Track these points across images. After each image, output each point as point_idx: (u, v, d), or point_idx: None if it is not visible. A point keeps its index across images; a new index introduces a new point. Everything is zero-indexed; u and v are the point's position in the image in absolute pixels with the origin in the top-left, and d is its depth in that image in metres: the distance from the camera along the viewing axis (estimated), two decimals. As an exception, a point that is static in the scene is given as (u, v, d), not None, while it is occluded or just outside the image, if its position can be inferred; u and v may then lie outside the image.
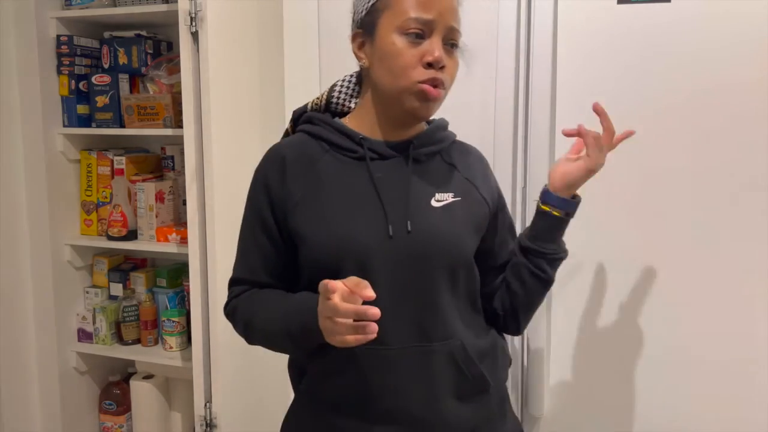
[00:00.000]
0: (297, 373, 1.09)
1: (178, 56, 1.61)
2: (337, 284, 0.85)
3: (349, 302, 0.84)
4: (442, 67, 0.97)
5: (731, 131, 1.24)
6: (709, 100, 1.24)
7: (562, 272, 1.35)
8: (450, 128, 1.12)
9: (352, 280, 0.85)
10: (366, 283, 0.85)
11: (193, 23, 1.56)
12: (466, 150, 1.13)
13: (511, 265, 1.11)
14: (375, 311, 0.83)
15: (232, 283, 1.10)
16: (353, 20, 1.05)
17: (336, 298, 0.84)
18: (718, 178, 1.25)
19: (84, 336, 2.06)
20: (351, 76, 1.09)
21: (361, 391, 1.00)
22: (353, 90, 1.09)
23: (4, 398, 1.89)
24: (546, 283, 1.10)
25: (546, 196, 1.08)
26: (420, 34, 0.97)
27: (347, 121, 1.07)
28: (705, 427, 1.30)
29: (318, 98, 1.10)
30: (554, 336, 1.37)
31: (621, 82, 1.28)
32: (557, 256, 1.09)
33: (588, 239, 1.33)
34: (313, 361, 1.04)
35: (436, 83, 0.97)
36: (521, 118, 1.34)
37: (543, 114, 1.28)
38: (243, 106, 1.67)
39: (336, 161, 1.03)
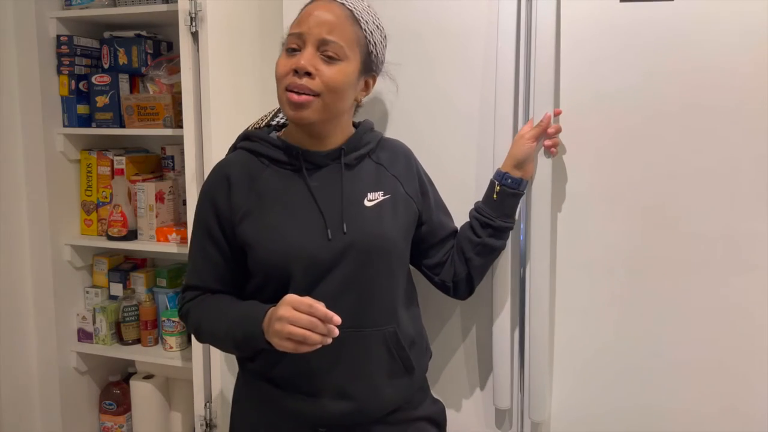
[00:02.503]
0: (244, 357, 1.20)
1: (178, 56, 1.61)
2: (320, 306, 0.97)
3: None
4: (309, 74, 1.06)
5: (734, 130, 1.23)
6: (712, 98, 1.24)
7: (567, 274, 1.36)
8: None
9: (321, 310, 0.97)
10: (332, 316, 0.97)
11: (193, 23, 1.56)
12: (391, 146, 1.24)
13: (472, 242, 1.24)
14: (336, 333, 0.97)
15: (185, 289, 1.20)
16: None
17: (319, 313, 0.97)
18: (721, 177, 1.25)
19: (84, 336, 2.06)
20: None
21: (304, 370, 1.11)
22: None
23: (4, 398, 1.89)
24: (502, 248, 1.28)
25: (516, 181, 1.24)
26: (295, 48, 1.09)
27: (282, 135, 1.18)
28: (714, 429, 1.29)
29: (263, 118, 1.24)
30: (558, 338, 1.37)
31: (623, 81, 1.28)
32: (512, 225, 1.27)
33: (592, 240, 1.33)
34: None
35: (297, 89, 1.07)
36: (521, 118, 1.34)
37: (546, 114, 1.27)
38: (243, 106, 1.67)
39: (276, 174, 1.14)
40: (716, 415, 1.29)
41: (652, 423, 1.33)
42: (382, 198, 1.16)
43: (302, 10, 1.12)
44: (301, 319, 0.96)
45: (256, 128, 1.22)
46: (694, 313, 1.29)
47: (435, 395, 1.32)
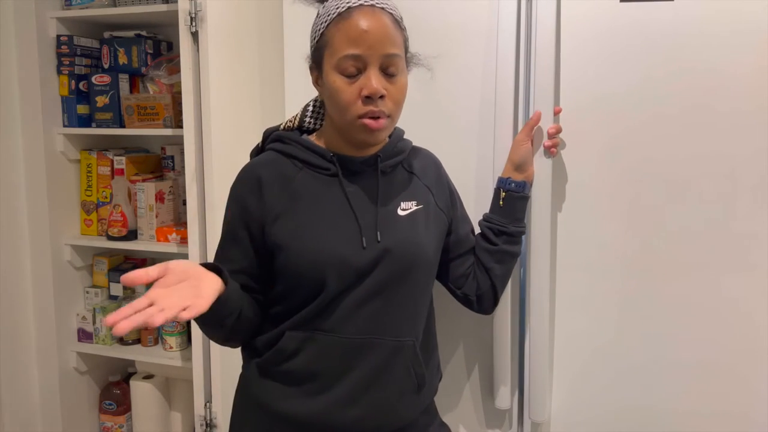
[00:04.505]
0: (250, 352, 1.16)
1: (178, 56, 1.61)
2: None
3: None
4: (382, 97, 1.03)
5: (733, 131, 1.23)
6: (711, 99, 1.24)
7: (566, 274, 1.36)
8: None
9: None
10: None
11: (193, 23, 1.56)
12: (422, 155, 1.23)
13: (490, 251, 1.23)
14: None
15: None
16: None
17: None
18: (722, 177, 1.25)
19: (84, 336, 2.06)
20: (318, 98, 1.17)
21: (314, 369, 1.09)
22: (321, 110, 1.17)
23: (4, 398, 1.89)
24: (518, 253, 1.28)
25: (520, 185, 1.24)
26: (354, 72, 1.02)
27: (315, 139, 1.15)
28: (714, 429, 1.29)
29: (291, 119, 1.18)
30: (558, 338, 1.37)
31: (623, 81, 1.28)
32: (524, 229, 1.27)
33: (592, 241, 1.33)
34: (270, 342, 1.11)
35: (376, 115, 1.03)
36: (521, 118, 1.34)
37: (545, 114, 1.27)
38: (243, 106, 1.68)
39: (311, 178, 1.10)
40: (716, 415, 1.29)
41: (653, 423, 1.33)
42: (416, 208, 1.14)
43: (342, 20, 1.02)
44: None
45: (288, 128, 1.18)
46: (694, 314, 1.29)
47: (436, 395, 1.31)
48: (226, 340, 1.14)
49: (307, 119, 1.17)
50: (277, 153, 1.13)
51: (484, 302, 1.26)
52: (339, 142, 1.12)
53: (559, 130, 1.27)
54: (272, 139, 1.16)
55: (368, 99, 1.02)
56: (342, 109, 1.04)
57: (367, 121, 1.03)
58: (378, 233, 1.08)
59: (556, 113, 1.28)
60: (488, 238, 1.24)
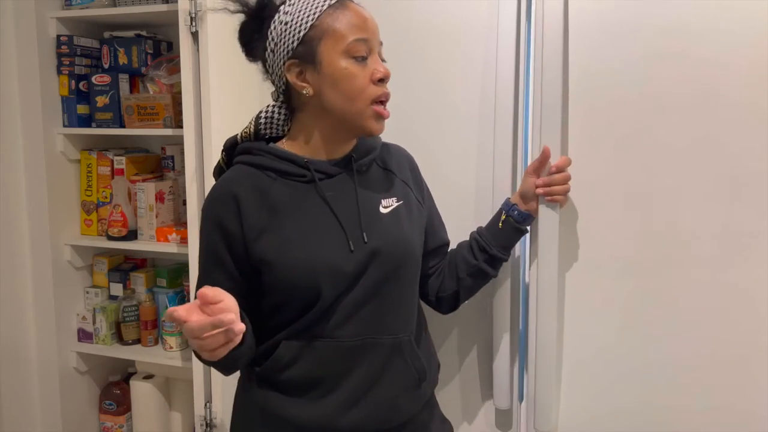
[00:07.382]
0: (249, 363, 1.13)
1: (178, 56, 1.61)
2: (180, 309, 0.87)
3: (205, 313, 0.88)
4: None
5: (742, 130, 1.21)
6: (717, 97, 1.22)
7: (576, 279, 1.34)
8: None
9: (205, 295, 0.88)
10: (216, 293, 0.88)
11: (193, 23, 1.56)
12: (394, 151, 1.22)
13: (467, 262, 1.23)
14: (230, 318, 0.86)
15: None
16: (276, 52, 1.06)
17: (191, 318, 0.86)
18: (728, 178, 1.23)
19: (84, 336, 2.06)
20: (274, 105, 1.12)
21: (315, 375, 1.08)
22: (283, 117, 1.12)
23: (4, 398, 1.89)
24: (493, 276, 1.27)
25: (522, 216, 1.24)
26: (364, 56, 1.05)
27: (284, 146, 1.11)
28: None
29: (246, 129, 1.13)
30: (567, 345, 1.35)
31: (625, 82, 1.27)
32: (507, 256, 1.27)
33: (600, 245, 1.31)
34: (267, 352, 1.10)
35: (386, 98, 1.07)
36: (521, 119, 1.34)
37: (551, 117, 1.26)
38: (243, 106, 1.67)
39: (287, 187, 1.08)
40: (734, 422, 1.26)
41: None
42: (396, 204, 1.14)
43: (338, 10, 1.04)
44: (187, 332, 0.87)
45: (245, 140, 1.13)
46: (719, 321, 1.25)
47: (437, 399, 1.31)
48: (228, 373, 1.11)
49: (262, 129, 1.12)
50: (247, 166, 1.10)
51: (442, 305, 1.27)
52: (314, 147, 1.10)
53: (566, 179, 1.25)
54: (239, 151, 1.12)
55: (381, 81, 1.05)
56: (355, 95, 1.04)
57: (380, 109, 1.06)
58: (364, 234, 1.07)
59: (568, 165, 1.25)
60: (472, 250, 1.24)
